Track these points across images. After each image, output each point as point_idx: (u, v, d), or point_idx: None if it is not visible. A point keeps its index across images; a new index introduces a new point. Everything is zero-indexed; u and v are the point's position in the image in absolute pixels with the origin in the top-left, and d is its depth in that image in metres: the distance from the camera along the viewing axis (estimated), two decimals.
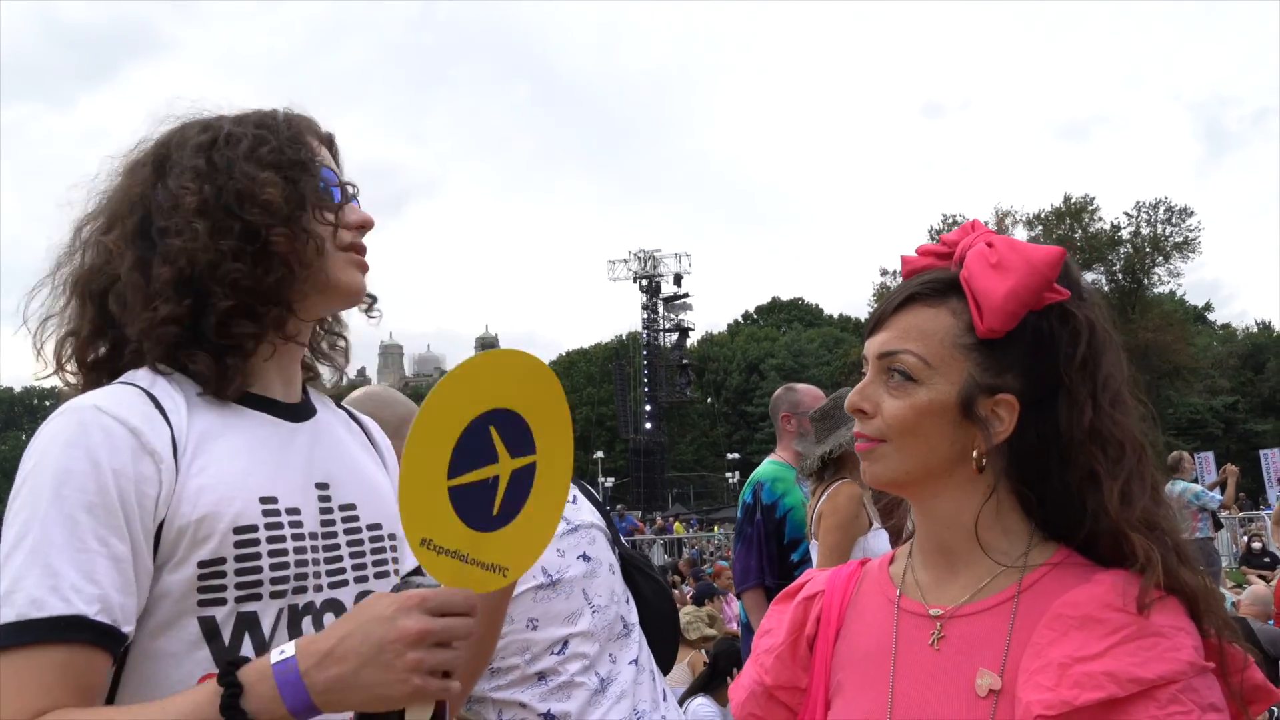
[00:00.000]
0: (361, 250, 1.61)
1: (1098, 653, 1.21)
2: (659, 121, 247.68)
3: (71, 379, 1.56)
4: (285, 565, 1.43)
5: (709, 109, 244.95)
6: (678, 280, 63.14)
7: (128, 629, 1.31)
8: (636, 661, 2.69)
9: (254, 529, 1.41)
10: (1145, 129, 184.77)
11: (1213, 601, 1.29)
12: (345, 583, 1.53)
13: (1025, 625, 1.31)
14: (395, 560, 1.64)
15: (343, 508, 1.57)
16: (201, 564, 1.36)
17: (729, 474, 60.25)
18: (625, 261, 63.70)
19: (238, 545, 1.39)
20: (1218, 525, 13.26)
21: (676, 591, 16.09)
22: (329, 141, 1.69)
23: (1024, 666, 1.27)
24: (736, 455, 63.15)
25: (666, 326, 63.75)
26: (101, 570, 1.28)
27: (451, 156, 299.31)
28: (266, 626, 1.41)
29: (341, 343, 1.78)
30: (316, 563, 1.49)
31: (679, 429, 73.87)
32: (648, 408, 61.42)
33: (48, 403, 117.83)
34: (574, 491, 2.84)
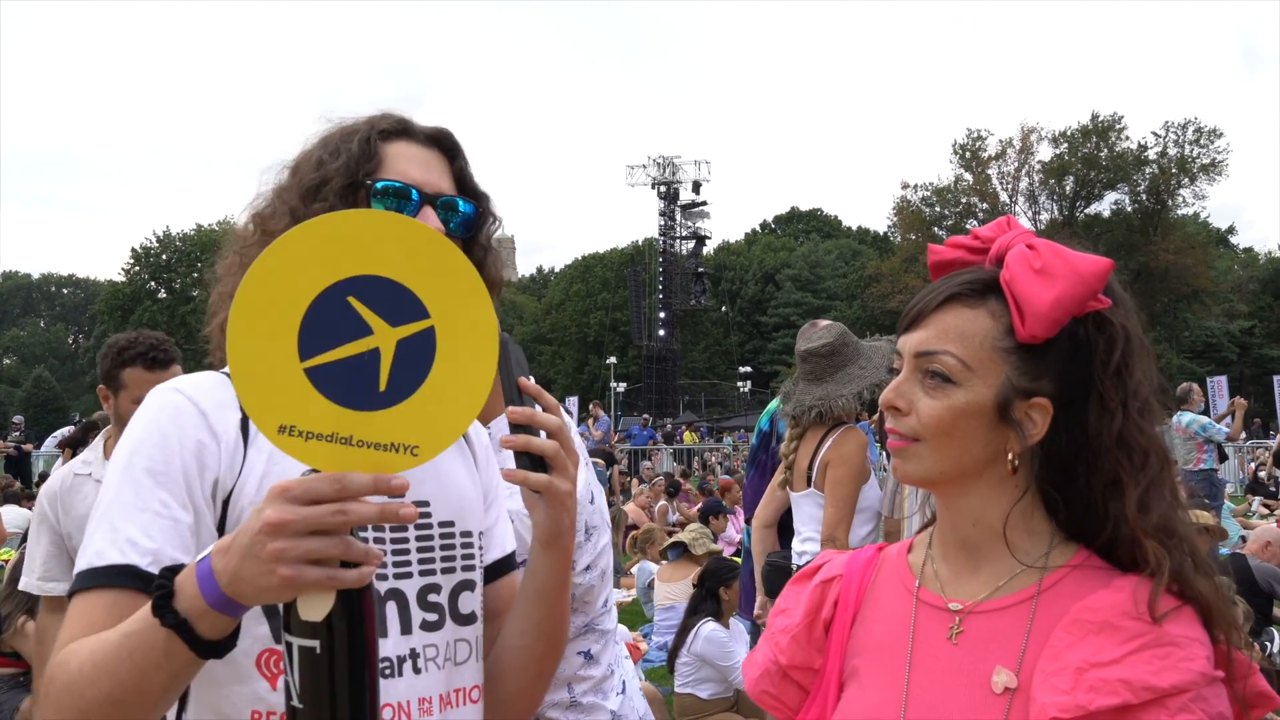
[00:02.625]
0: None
1: (1114, 659, 1.25)
2: (683, 26, 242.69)
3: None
4: None
5: (734, 13, 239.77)
6: (696, 188, 62.65)
7: None
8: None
9: None
10: (1180, 45, 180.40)
11: (1225, 610, 1.32)
12: (410, 574, 1.60)
13: (1043, 625, 1.35)
14: (467, 556, 1.68)
15: (415, 504, 1.61)
16: None
17: (740, 383, 60.46)
18: (644, 167, 63.22)
19: None
20: (1223, 457, 13.31)
21: (680, 505, 16.22)
22: (439, 140, 1.72)
23: (1040, 667, 1.30)
24: (749, 366, 63.28)
25: (683, 234, 63.45)
26: (158, 529, 1.42)
27: (472, 55, 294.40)
28: None
29: None
30: (382, 554, 1.54)
31: (692, 337, 73.83)
32: (662, 315, 61.45)
33: (65, 290, 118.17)
34: None
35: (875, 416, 5.88)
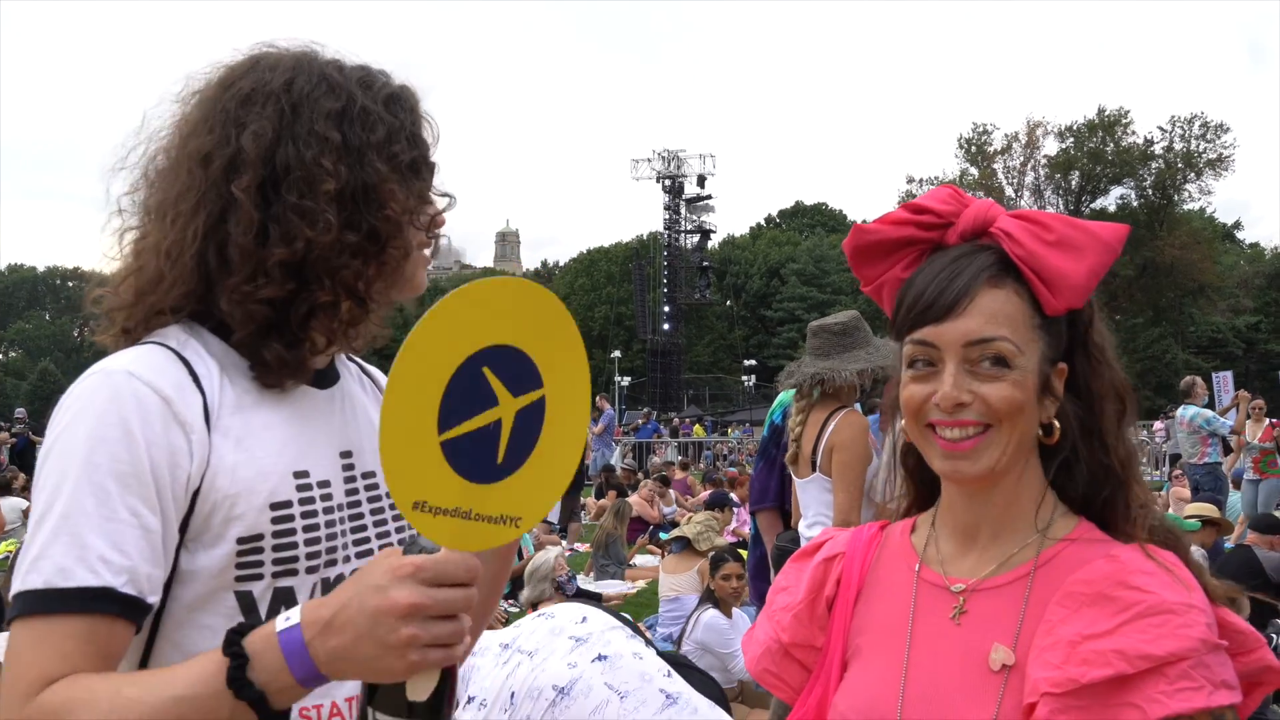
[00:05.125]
0: (435, 251, 1.57)
1: (1108, 630, 1.22)
2: (688, 20, 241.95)
3: (121, 314, 1.48)
4: (318, 540, 1.43)
5: (740, 8, 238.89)
6: (701, 181, 62.56)
7: (153, 599, 1.30)
8: None
9: (289, 504, 1.40)
10: (1185, 41, 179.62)
11: (1200, 571, 1.33)
12: (370, 552, 1.54)
13: (1040, 600, 1.33)
14: None
15: (364, 475, 1.56)
16: (240, 540, 1.36)
17: (745, 377, 60.34)
18: (649, 161, 63.05)
19: (274, 521, 1.38)
20: (1227, 450, 13.26)
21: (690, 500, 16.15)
22: (429, 120, 1.60)
23: (1036, 643, 1.29)
24: (753, 360, 63.19)
25: (688, 228, 63.35)
26: (131, 541, 1.26)
27: (476, 49, 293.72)
28: (302, 600, 1.41)
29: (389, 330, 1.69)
30: (345, 534, 1.49)
31: (697, 331, 73.67)
32: (666, 308, 61.38)
33: (70, 283, 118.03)
34: (582, 612, 3.00)
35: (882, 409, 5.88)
